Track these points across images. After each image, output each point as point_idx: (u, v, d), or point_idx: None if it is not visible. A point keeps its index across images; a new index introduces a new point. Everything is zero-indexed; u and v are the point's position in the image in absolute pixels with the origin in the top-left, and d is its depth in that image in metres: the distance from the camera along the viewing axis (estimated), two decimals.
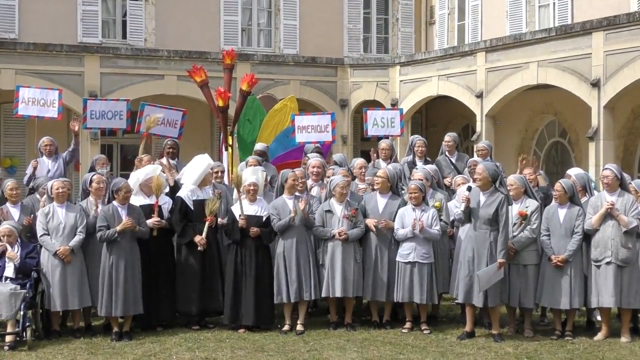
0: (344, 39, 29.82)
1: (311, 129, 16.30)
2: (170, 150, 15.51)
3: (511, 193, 12.23)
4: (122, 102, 16.02)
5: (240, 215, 12.46)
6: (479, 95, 24.27)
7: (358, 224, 12.55)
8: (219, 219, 12.87)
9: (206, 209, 12.57)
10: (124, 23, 27.17)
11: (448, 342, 11.91)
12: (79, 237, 12.10)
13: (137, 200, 12.53)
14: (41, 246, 12.17)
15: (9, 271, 11.78)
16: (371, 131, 16.93)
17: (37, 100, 15.56)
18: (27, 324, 11.50)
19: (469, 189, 11.98)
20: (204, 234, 12.58)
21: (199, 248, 12.56)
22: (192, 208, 12.72)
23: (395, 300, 12.56)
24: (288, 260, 12.44)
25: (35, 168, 14.50)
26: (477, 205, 11.82)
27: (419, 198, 12.41)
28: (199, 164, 13.11)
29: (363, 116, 17.09)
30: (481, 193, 11.91)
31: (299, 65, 27.66)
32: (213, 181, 13.38)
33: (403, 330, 12.39)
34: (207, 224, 12.60)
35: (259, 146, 15.65)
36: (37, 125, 16.21)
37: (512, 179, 12.42)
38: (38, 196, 13.11)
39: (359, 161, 14.55)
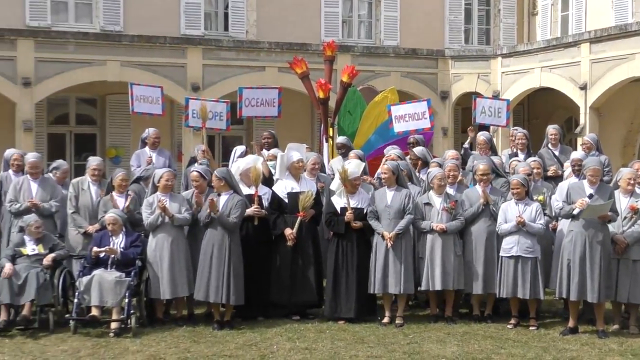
0: (445, 31, 29.62)
1: (408, 117, 16.23)
2: (266, 140, 15.63)
3: (629, 187, 12.10)
4: (222, 104, 16.16)
5: (348, 211, 12.46)
6: (583, 87, 23.87)
7: (457, 216, 12.47)
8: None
9: (299, 204, 12.62)
10: (226, 15, 27.40)
11: (550, 337, 11.76)
12: (186, 214, 12.31)
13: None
14: (146, 235, 12.39)
15: None
16: (479, 119, 16.77)
17: (146, 97, 15.82)
18: (132, 311, 11.73)
19: (590, 196, 11.77)
20: (294, 229, 12.62)
21: (288, 243, 12.61)
22: (287, 201, 12.77)
23: (498, 296, 12.44)
24: (378, 251, 12.42)
25: (149, 164, 14.71)
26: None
27: (522, 193, 12.25)
28: (281, 158, 13.17)
29: (472, 103, 16.90)
30: (588, 188, 11.79)
31: (400, 57, 27.53)
32: (315, 173, 13.47)
33: (508, 326, 12.26)
34: (298, 219, 12.64)
35: (340, 139, 15.68)
36: (144, 116, 16.44)
37: (629, 173, 12.22)
38: (143, 185, 13.34)
39: (451, 153, 14.47)
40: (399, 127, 16.15)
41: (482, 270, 12.47)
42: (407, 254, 12.45)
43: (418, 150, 14.40)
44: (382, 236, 12.36)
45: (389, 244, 12.30)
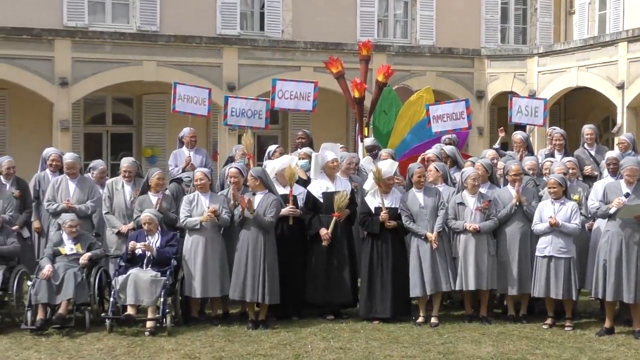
0: (481, 30, 29.55)
1: (447, 117, 16.13)
2: (300, 140, 15.62)
3: None
4: (261, 102, 16.15)
5: (382, 210, 12.46)
6: (620, 87, 23.73)
7: (491, 216, 12.43)
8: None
9: (334, 204, 12.61)
10: (262, 15, 27.50)
11: (586, 337, 11.68)
12: (225, 215, 12.33)
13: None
14: (182, 235, 12.46)
15: None
16: (515, 118, 16.63)
17: (190, 98, 15.81)
18: (167, 310, 11.76)
19: (627, 195, 11.68)
20: (330, 229, 12.61)
21: (323, 243, 12.62)
22: (322, 200, 12.76)
23: (532, 295, 12.39)
24: (421, 253, 12.39)
25: (188, 163, 14.73)
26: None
27: (559, 193, 12.17)
28: (315, 157, 13.16)
29: (508, 103, 16.79)
30: (625, 187, 11.71)
31: (435, 57, 27.54)
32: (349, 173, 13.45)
33: (544, 327, 12.19)
34: (334, 219, 12.64)
35: (369, 141, 15.63)
36: (180, 116, 16.45)
37: None
38: (182, 186, 13.37)
39: (490, 152, 14.44)
40: (436, 127, 16.07)
41: (517, 270, 12.42)
42: (447, 251, 12.48)
43: (448, 148, 14.37)
44: (426, 238, 12.33)
45: (435, 245, 12.30)
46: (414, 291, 12.42)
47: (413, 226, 12.42)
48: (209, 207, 12.20)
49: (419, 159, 13.91)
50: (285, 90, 16.20)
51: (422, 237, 12.35)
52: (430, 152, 14.16)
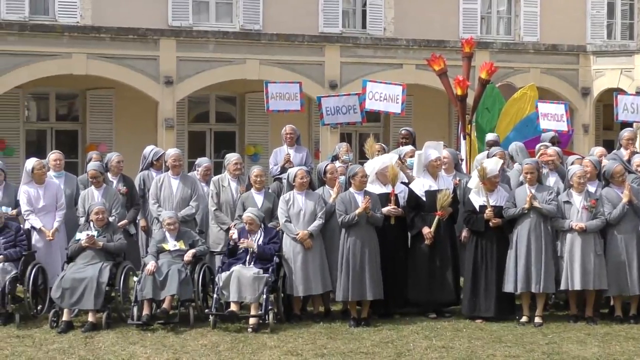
0: (587, 26, 28.98)
1: (551, 117, 16.05)
2: (404, 139, 15.57)
3: None
4: (353, 97, 16.17)
5: (487, 208, 12.35)
6: None
7: (598, 215, 12.20)
8: None
9: (437, 203, 12.53)
10: (364, 13, 27.44)
11: None
12: (318, 222, 12.36)
13: (374, 188, 12.61)
14: (283, 232, 12.51)
15: None
16: (621, 116, 16.36)
17: (282, 95, 15.92)
18: (270, 307, 11.86)
19: None
20: (432, 228, 12.54)
21: (425, 241, 12.55)
22: (425, 199, 12.68)
23: None
24: (518, 249, 12.25)
25: (287, 161, 14.74)
26: None
27: None
28: (418, 156, 13.09)
29: (613, 100, 16.49)
30: None
31: (539, 53, 27.19)
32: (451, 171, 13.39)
33: None
34: (436, 217, 12.56)
35: (490, 136, 15.50)
36: (283, 114, 16.55)
37: None
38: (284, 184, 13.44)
39: (599, 150, 14.24)
40: (544, 124, 15.96)
41: (637, 271, 12.18)
42: (547, 251, 12.25)
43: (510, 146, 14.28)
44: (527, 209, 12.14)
45: (534, 195, 12.09)
46: (507, 286, 12.31)
47: (512, 209, 12.29)
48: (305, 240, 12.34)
49: (537, 155, 13.74)
50: (376, 91, 16.20)
51: (522, 210, 12.17)
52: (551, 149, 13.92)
